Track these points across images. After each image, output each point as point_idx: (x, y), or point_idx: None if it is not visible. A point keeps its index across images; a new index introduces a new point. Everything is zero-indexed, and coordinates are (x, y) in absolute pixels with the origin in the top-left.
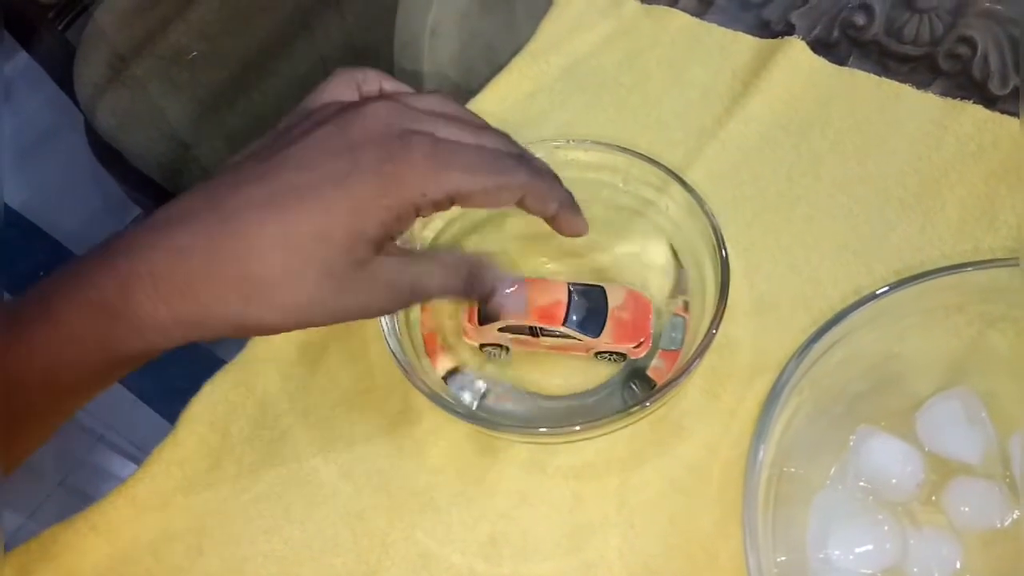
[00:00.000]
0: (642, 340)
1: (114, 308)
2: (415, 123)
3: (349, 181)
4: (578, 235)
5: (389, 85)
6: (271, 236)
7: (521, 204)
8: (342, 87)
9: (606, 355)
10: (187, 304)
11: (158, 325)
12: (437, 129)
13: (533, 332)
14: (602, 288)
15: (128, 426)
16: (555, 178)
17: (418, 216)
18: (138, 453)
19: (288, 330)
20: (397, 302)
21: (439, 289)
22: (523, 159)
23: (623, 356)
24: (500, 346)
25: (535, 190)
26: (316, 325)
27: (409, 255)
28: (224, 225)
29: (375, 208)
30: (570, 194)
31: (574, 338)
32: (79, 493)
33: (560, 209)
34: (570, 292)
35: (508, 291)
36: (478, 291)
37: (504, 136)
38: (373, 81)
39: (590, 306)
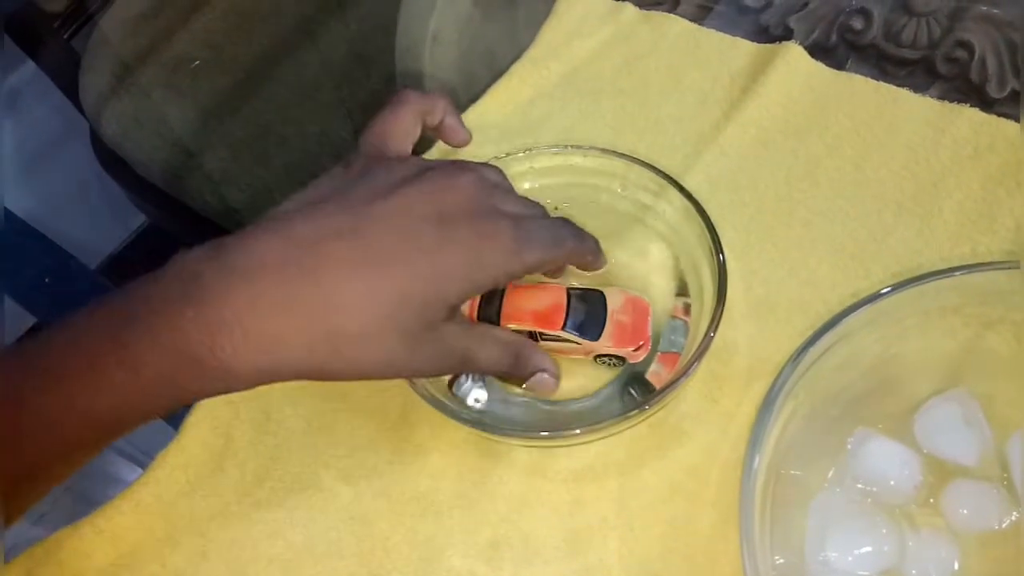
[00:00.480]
0: (641, 343)
1: (200, 358)
2: (498, 202)
3: (440, 253)
4: (600, 271)
5: (451, 120)
6: (357, 294)
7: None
8: (409, 120)
9: (605, 359)
10: (271, 356)
11: (241, 374)
12: (509, 206)
13: (532, 336)
14: (601, 292)
15: (135, 432)
16: (585, 233)
17: (495, 287)
18: (144, 458)
19: (357, 379)
20: (447, 368)
21: (487, 363)
22: (568, 225)
23: (622, 360)
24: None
25: (579, 251)
26: (381, 379)
27: (468, 325)
28: (313, 281)
29: (460, 279)
30: (596, 243)
31: (573, 342)
32: (86, 499)
33: (592, 258)
34: (569, 296)
35: (548, 378)
36: (520, 372)
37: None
38: (439, 113)
39: (589, 310)
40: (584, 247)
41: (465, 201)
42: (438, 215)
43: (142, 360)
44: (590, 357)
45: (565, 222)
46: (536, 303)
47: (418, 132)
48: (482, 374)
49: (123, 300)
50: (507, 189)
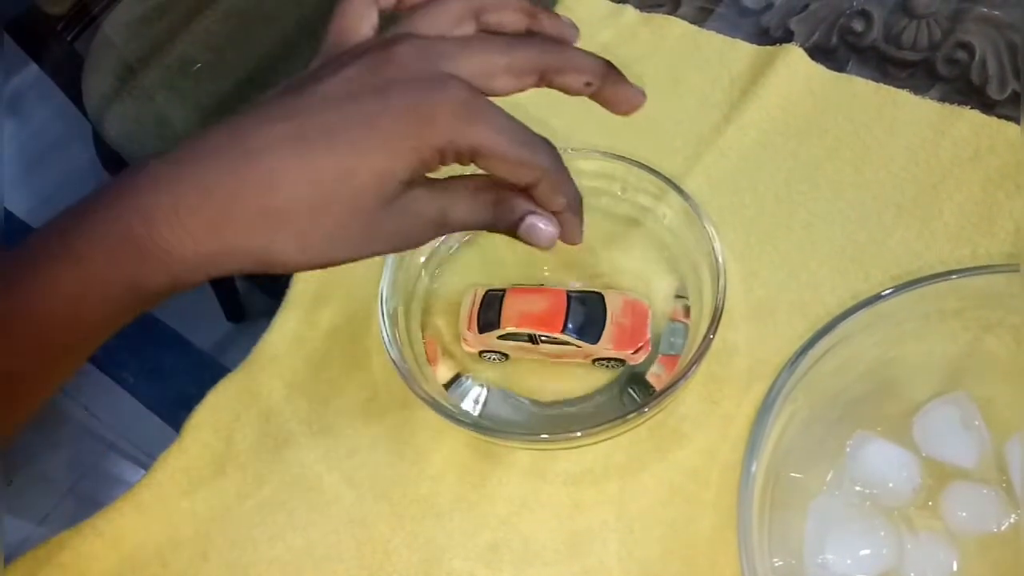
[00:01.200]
0: (640, 346)
1: (140, 243)
2: (447, 62)
3: (379, 121)
4: (572, 243)
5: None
6: (296, 172)
7: (532, 190)
8: (363, 7)
9: (605, 361)
10: (212, 238)
11: (184, 259)
12: (469, 64)
13: (532, 339)
14: (600, 295)
15: (137, 434)
16: (570, 176)
17: (441, 164)
18: (147, 460)
19: (312, 267)
20: (426, 234)
21: (467, 216)
22: (549, 145)
23: (622, 362)
24: (499, 353)
25: (552, 178)
26: (342, 261)
27: (437, 184)
28: (249, 160)
29: (404, 148)
30: (580, 197)
31: (573, 345)
32: (89, 500)
33: (566, 209)
34: (569, 299)
35: (541, 224)
36: (507, 219)
37: (534, 34)
38: None
39: (588, 313)
40: (557, 174)
41: (407, 66)
42: (377, 85)
43: (84, 251)
44: (590, 360)
45: (550, 143)
46: (536, 306)
47: (374, 16)
48: (465, 230)
49: (76, 204)
50: (458, 54)
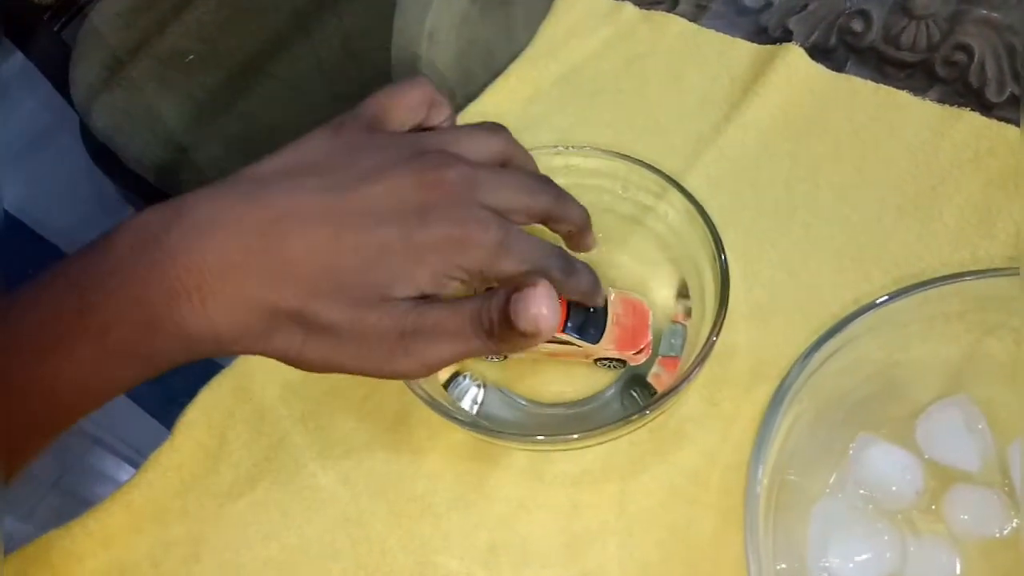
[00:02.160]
0: (642, 347)
1: (160, 321)
2: (486, 194)
3: (414, 236)
4: (588, 251)
5: (448, 122)
6: (321, 264)
7: (545, 222)
8: (419, 104)
9: (606, 362)
10: (231, 320)
11: (203, 338)
12: (501, 199)
13: None
14: (604, 297)
15: (124, 429)
16: (576, 204)
17: (463, 283)
18: (134, 455)
19: (315, 367)
20: (392, 354)
21: (446, 322)
22: (559, 252)
23: (623, 363)
24: None
25: (566, 279)
26: (336, 368)
27: (422, 304)
28: (276, 247)
29: (433, 263)
30: (586, 214)
31: (574, 344)
32: (74, 496)
33: (579, 231)
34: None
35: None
36: (508, 339)
37: (548, 183)
38: (445, 110)
39: (589, 312)
40: (574, 278)
41: (452, 195)
42: (421, 206)
43: (105, 325)
44: (590, 360)
45: (555, 248)
46: None
47: (420, 118)
48: (462, 358)
49: (83, 265)
50: (496, 189)
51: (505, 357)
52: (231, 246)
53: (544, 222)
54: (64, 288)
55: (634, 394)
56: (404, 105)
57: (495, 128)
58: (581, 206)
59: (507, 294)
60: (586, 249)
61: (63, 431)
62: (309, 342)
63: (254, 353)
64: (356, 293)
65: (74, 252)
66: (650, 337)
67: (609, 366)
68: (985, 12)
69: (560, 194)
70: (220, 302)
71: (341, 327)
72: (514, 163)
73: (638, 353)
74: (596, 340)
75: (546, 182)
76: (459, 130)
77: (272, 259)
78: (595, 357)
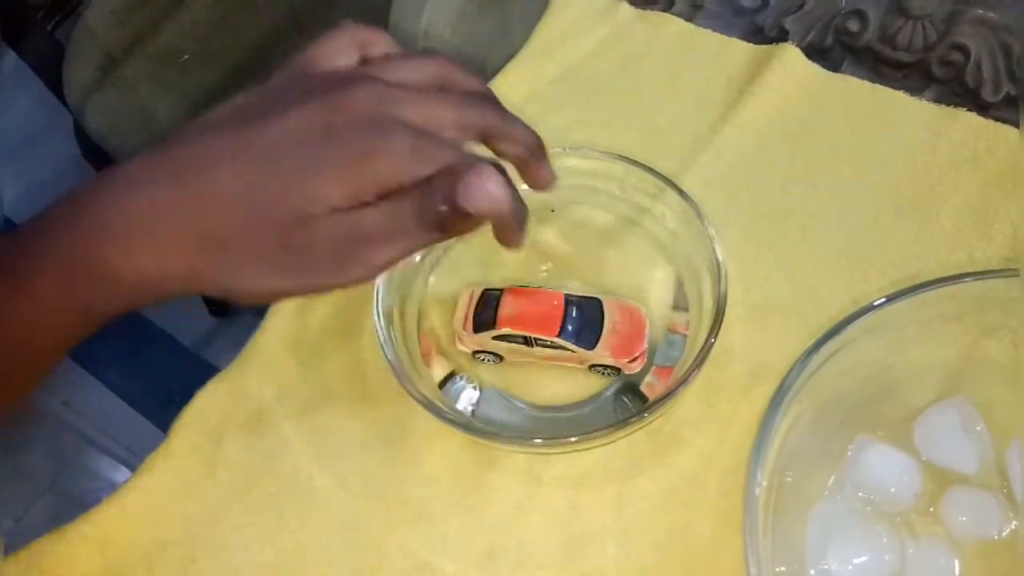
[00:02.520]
0: (637, 355)
1: (89, 268)
2: (399, 108)
3: (322, 166)
4: (544, 186)
5: (393, 52)
6: (232, 193)
7: (487, 143)
8: (345, 45)
9: (600, 368)
10: (156, 262)
11: (133, 283)
12: (419, 112)
13: (527, 342)
14: (599, 300)
15: (119, 431)
16: (524, 125)
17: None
18: (128, 456)
19: (255, 297)
20: (343, 260)
21: (386, 223)
22: (488, 103)
23: (617, 370)
24: (493, 354)
25: (502, 129)
26: (270, 293)
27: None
28: (191, 186)
29: (339, 175)
30: (539, 140)
31: (568, 350)
32: (68, 496)
33: (526, 154)
34: (566, 302)
35: (473, 176)
36: (435, 199)
37: (487, 100)
38: (379, 45)
39: (586, 318)
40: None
41: (359, 112)
42: (327, 130)
43: (34, 276)
44: (585, 366)
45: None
46: (532, 308)
47: (353, 59)
48: (385, 241)
49: (31, 220)
50: (410, 103)
51: (501, 359)
52: (150, 193)
53: (483, 141)
54: (5, 243)
55: (626, 400)
56: (331, 49)
57: (430, 52)
58: (529, 128)
59: (450, 183)
60: (544, 183)
61: (23, 389)
62: (243, 273)
63: (190, 292)
64: (274, 218)
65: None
66: (646, 346)
67: (604, 373)
68: (981, 12)
69: (500, 110)
70: (145, 243)
71: (271, 252)
72: (454, 86)
73: (633, 361)
74: (592, 346)
75: (482, 97)
76: (390, 57)
77: (189, 199)
78: (590, 363)
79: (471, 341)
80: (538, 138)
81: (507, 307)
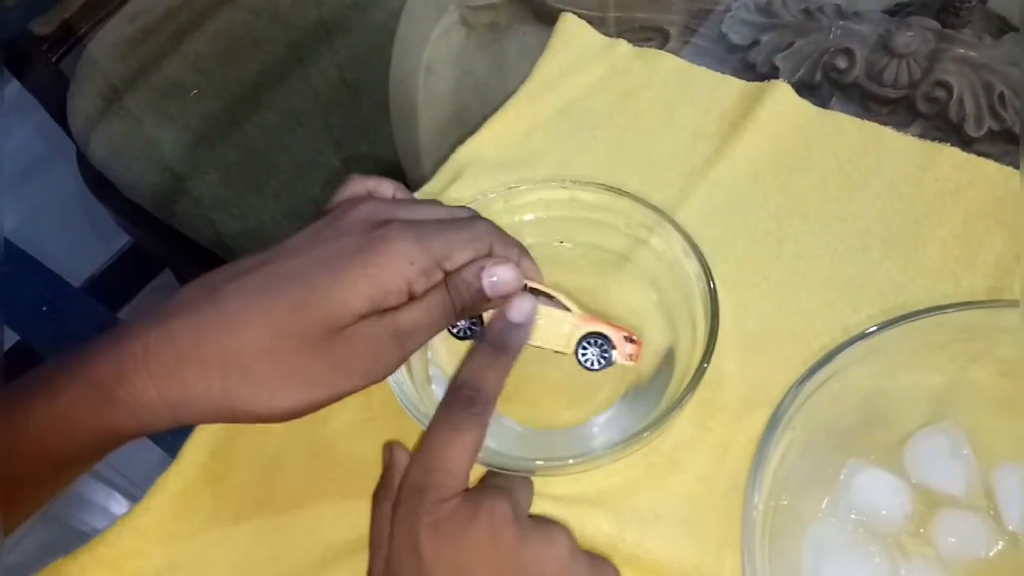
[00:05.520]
0: (635, 339)
1: (107, 387)
2: (396, 213)
3: (333, 264)
4: (541, 281)
5: (400, 194)
6: (253, 313)
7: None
8: (352, 195)
9: (589, 347)
10: (174, 384)
11: (148, 405)
12: (411, 215)
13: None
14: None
15: (114, 456)
16: (513, 241)
17: (411, 290)
18: (123, 482)
19: (280, 415)
20: (388, 352)
21: (421, 314)
22: (480, 220)
23: (607, 355)
24: (473, 320)
25: (499, 238)
26: (312, 405)
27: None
28: (213, 309)
29: (358, 278)
30: (520, 244)
31: (563, 307)
32: (61, 526)
33: (520, 255)
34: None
35: (499, 269)
36: (465, 290)
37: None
38: (386, 188)
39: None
40: (500, 233)
41: (360, 217)
42: (334, 234)
43: (58, 388)
44: (571, 347)
45: (480, 220)
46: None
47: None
48: (428, 330)
49: (74, 348)
50: (405, 214)
51: (480, 325)
52: (178, 323)
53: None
54: (47, 365)
55: (587, 345)
56: (342, 200)
57: (438, 203)
58: (518, 243)
59: (476, 275)
60: (537, 278)
61: (42, 498)
62: (271, 393)
63: (210, 418)
64: (305, 334)
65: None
66: (641, 345)
67: (592, 361)
68: (963, 51)
69: (496, 231)
70: (169, 368)
71: (304, 366)
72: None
73: (630, 341)
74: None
75: (470, 222)
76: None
77: (213, 323)
78: (584, 331)
79: None
80: (523, 249)
81: None
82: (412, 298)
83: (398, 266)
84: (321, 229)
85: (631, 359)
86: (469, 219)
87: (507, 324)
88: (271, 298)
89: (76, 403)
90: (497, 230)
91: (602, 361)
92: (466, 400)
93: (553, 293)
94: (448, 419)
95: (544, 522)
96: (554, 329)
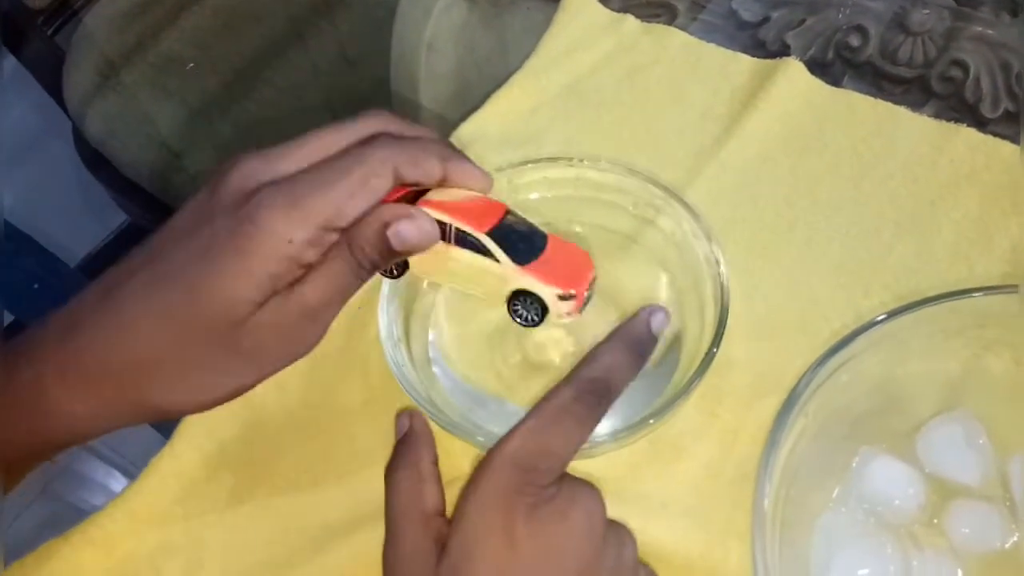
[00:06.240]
0: (573, 293)
1: (36, 406)
2: (267, 172)
3: (210, 254)
4: (482, 187)
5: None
6: (148, 320)
7: (405, 181)
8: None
9: (519, 306)
10: (95, 395)
11: (76, 416)
12: (290, 170)
13: (445, 237)
14: (544, 232)
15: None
16: (432, 140)
17: (302, 263)
18: (122, 461)
19: (203, 406)
20: (301, 331)
21: (327, 281)
22: (375, 145)
23: (540, 310)
24: (397, 266)
25: (405, 157)
26: (234, 392)
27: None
28: (112, 319)
29: (238, 272)
30: (452, 147)
31: (492, 258)
32: (59, 502)
33: (448, 165)
34: (507, 212)
35: (403, 224)
36: (367, 248)
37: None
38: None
39: (524, 235)
40: (405, 152)
41: (230, 190)
42: (206, 217)
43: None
44: (502, 298)
45: (391, 136)
46: (469, 203)
47: None
48: (338, 295)
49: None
50: (286, 150)
51: (406, 269)
52: (84, 339)
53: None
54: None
55: (517, 304)
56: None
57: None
58: (437, 145)
59: (377, 231)
60: (479, 183)
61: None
62: (192, 387)
63: (141, 420)
64: (205, 330)
65: None
66: (585, 293)
67: (522, 318)
68: (980, 29)
69: (397, 155)
70: (85, 382)
71: (217, 360)
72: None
73: (565, 300)
74: (522, 263)
75: (359, 157)
76: None
77: (114, 334)
78: (512, 288)
79: None
80: (446, 143)
81: (437, 193)
82: (312, 266)
83: (274, 248)
84: (201, 205)
85: (568, 316)
86: (359, 152)
87: (649, 334)
88: (160, 301)
89: (12, 421)
90: (399, 145)
91: (535, 319)
92: (599, 395)
93: (482, 239)
94: (574, 409)
95: (617, 524)
96: (479, 280)
